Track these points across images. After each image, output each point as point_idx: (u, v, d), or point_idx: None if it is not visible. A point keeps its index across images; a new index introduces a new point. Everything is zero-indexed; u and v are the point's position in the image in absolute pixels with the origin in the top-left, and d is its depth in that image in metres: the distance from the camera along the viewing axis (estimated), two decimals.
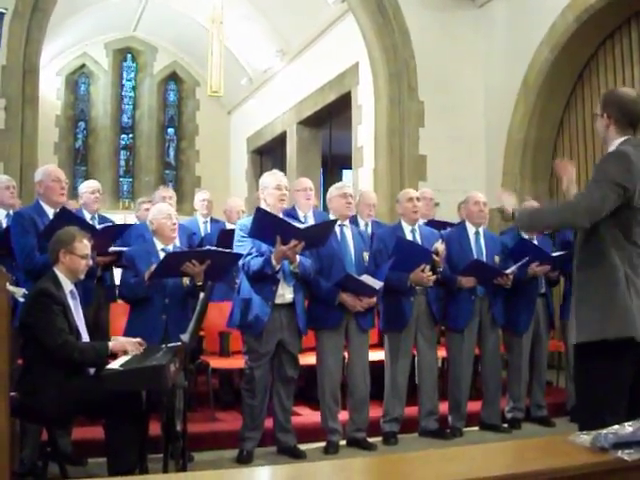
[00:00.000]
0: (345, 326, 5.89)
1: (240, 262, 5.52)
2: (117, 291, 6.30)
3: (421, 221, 7.35)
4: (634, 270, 3.57)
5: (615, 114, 3.73)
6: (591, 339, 3.56)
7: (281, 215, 5.52)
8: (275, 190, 5.55)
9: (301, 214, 6.85)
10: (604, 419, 3.28)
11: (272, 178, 5.65)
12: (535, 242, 6.75)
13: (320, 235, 5.52)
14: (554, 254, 6.57)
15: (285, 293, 5.55)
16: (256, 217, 5.33)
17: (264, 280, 5.44)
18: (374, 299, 5.85)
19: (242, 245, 5.52)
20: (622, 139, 3.72)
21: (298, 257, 5.44)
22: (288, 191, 5.67)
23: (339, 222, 5.95)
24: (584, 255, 3.71)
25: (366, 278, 5.79)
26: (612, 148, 3.75)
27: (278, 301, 5.51)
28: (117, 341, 4.61)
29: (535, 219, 4.04)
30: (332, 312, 5.82)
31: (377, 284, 5.76)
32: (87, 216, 6.59)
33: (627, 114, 3.72)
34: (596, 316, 3.55)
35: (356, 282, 5.74)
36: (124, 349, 4.49)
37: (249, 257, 5.43)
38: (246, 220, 5.68)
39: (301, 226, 5.46)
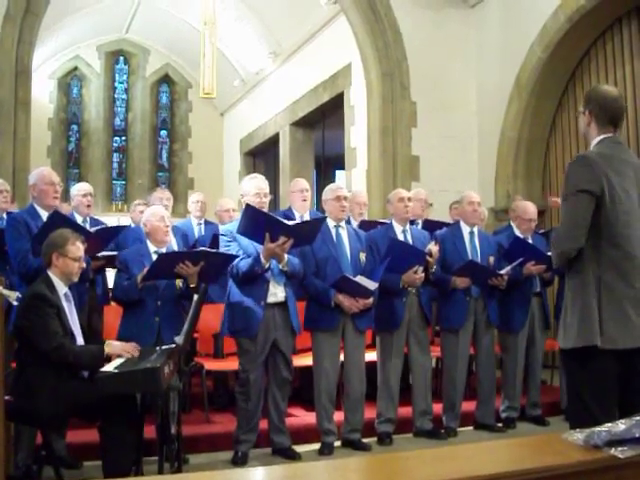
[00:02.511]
0: (342, 327, 5.89)
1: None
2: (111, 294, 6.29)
3: (419, 221, 7.40)
4: (617, 273, 3.53)
5: (596, 111, 3.72)
6: (568, 346, 3.58)
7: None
8: (254, 198, 5.53)
9: (297, 215, 6.85)
10: (596, 417, 3.30)
11: (251, 184, 5.63)
12: (530, 241, 6.77)
13: (309, 232, 5.52)
14: (549, 253, 6.54)
15: (277, 292, 5.54)
16: (245, 214, 5.33)
17: (254, 281, 5.44)
18: (370, 300, 5.83)
19: (228, 249, 5.52)
20: (600, 137, 3.72)
21: (286, 256, 5.44)
22: (268, 197, 5.63)
23: (335, 223, 5.96)
24: (570, 263, 3.71)
25: (361, 279, 5.79)
26: (591, 146, 3.76)
27: (270, 300, 5.50)
28: (112, 345, 4.59)
29: (559, 258, 3.90)
30: (329, 313, 5.81)
31: (372, 285, 5.76)
32: (79, 219, 6.56)
33: (607, 111, 3.71)
34: (573, 323, 3.56)
35: (352, 283, 5.73)
36: (119, 354, 4.48)
37: (236, 260, 5.43)
38: (230, 226, 5.69)
39: (290, 223, 5.46)
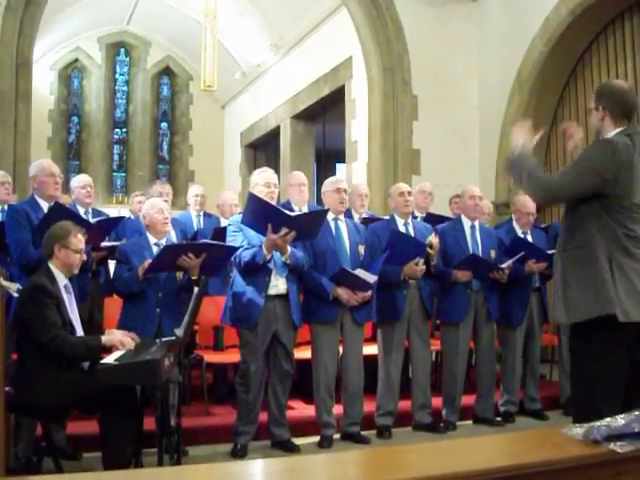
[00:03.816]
0: (340, 320, 5.89)
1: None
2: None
3: (418, 214, 7.40)
4: (625, 252, 3.58)
5: (610, 105, 3.73)
6: (580, 319, 3.59)
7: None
8: (263, 187, 5.55)
9: (296, 208, 6.84)
10: (600, 409, 3.30)
11: (261, 176, 5.67)
12: (529, 238, 6.78)
13: (311, 225, 5.51)
14: (550, 252, 6.52)
15: (279, 284, 5.55)
16: (248, 202, 5.34)
17: (256, 271, 5.45)
18: (369, 293, 5.84)
19: (234, 239, 5.54)
20: (616, 130, 3.72)
21: (289, 248, 5.45)
22: (277, 188, 5.66)
23: (334, 216, 5.96)
24: (569, 238, 3.74)
25: (360, 272, 5.79)
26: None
27: (272, 292, 5.52)
28: (111, 334, 4.59)
29: (517, 169, 3.99)
30: (327, 306, 5.81)
31: (371, 278, 5.76)
32: (81, 211, 6.58)
33: (622, 105, 3.73)
34: (582, 298, 3.57)
35: (351, 276, 5.74)
36: (116, 343, 4.47)
37: (240, 249, 5.45)
38: (238, 217, 5.71)
39: (292, 214, 5.46)
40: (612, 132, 3.73)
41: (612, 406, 3.33)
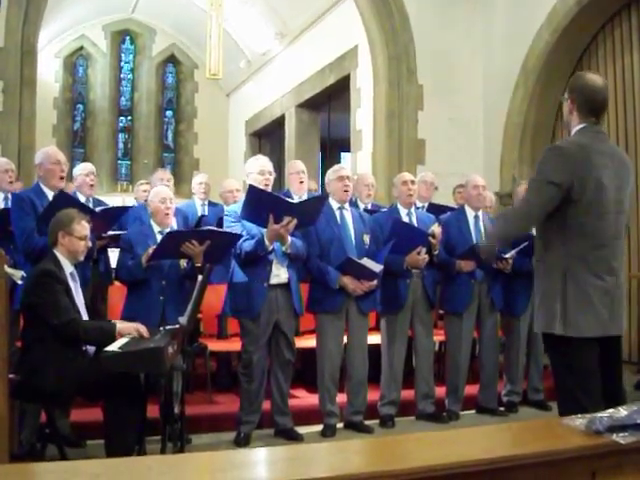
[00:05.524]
0: (346, 309, 5.90)
1: None
2: (114, 273, 6.29)
3: (420, 204, 7.39)
4: (585, 263, 3.54)
5: (578, 101, 3.69)
6: (541, 331, 3.63)
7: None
8: (258, 175, 5.55)
9: (296, 197, 6.85)
10: (580, 401, 3.34)
11: (255, 163, 5.68)
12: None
13: (312, 212, 5.51)
14: None
15: (280, 273, 5.54)
16: (248, 194, 5.33)
17: (257, 262, 5.44)
18: (375, 282, 5.84)
19: (232, 230, 5.52)
20: (580, 126, 3.70)
21: (289, 238, 5.44)
22: (272, 175, 5.66)
23: (339, 205, 5.96)
24: (538, 249, 3.75)
25: (366, 261, 5.79)
26: (571, 134, 3.76)
27: (273, 281, 5.51)
28: (125, 325, 4.58)
29: (502, 237, 4.06)
30: (333, 296, 5.81)
31: (377, 267, 5.76)
32: (82, 199, 6.56)
33: (590, 101, 3.69)
34: (543, 310, 3.59)
35: (357, 265, 5.73)
36: (132, 331, 4.47)
37: (240, 240, 5.44)
38: (235, 206, 5.71)
39: (292, 201, 5.46)
40: (577, 127, 3.71)
41: (590, 398, 3.36)
